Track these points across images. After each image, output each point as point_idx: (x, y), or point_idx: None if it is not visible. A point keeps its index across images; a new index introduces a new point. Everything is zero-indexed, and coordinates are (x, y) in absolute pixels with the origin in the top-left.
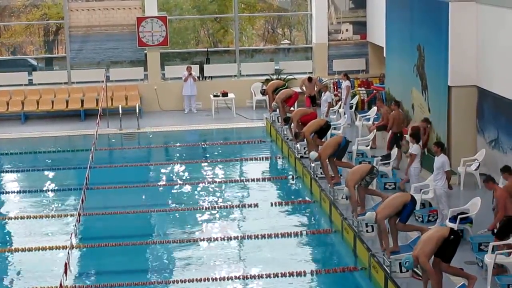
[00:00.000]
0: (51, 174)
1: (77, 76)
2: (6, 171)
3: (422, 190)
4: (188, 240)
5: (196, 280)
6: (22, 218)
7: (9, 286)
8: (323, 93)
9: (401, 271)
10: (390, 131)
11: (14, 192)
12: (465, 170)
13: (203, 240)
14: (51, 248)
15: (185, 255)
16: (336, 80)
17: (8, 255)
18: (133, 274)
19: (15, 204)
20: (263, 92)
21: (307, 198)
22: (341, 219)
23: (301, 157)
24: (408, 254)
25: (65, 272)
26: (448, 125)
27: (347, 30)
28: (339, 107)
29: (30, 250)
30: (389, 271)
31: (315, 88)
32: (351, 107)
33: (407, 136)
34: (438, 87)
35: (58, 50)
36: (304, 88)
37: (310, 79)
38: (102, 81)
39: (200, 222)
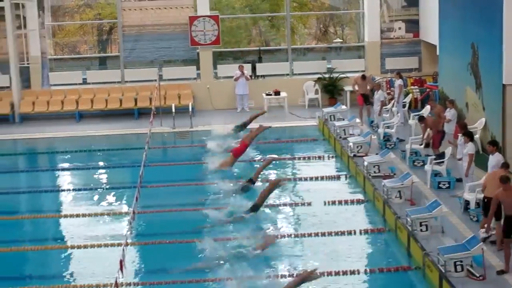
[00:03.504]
0: (105, 172)
1: (131, 75)
2: (61, 169)
3: (476, 189)
4: (240, 237)
5: (249, 277)
6: (77, 215)
7: (64, 283)
8: (376, 91)
9: (455, 271)
10: (430, 132)
11: (69, 190)
12: None
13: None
14: (106, 246)
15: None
16: (389, 78)
17: (64, 252)
18: (188, 272)
19: (70, 202)
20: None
21: (360, 197)
22: (394, 218)
23: (354, 156)
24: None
25: (121, 269)
26: (503, 123)
27: (399, 28)
28: (392, 106)
29: (85, 247)
30: (443, 271)
31: (368, 87)
32: (404, 106)
33: (460, 136)
34: (492, 85)
35: (111, 49)
36: (356, 87)
37: (363, 77)
38: (155, 80)
39: (252, 220)
